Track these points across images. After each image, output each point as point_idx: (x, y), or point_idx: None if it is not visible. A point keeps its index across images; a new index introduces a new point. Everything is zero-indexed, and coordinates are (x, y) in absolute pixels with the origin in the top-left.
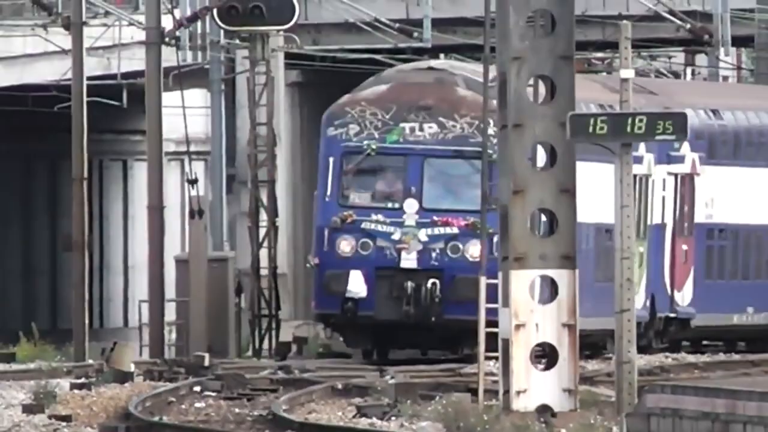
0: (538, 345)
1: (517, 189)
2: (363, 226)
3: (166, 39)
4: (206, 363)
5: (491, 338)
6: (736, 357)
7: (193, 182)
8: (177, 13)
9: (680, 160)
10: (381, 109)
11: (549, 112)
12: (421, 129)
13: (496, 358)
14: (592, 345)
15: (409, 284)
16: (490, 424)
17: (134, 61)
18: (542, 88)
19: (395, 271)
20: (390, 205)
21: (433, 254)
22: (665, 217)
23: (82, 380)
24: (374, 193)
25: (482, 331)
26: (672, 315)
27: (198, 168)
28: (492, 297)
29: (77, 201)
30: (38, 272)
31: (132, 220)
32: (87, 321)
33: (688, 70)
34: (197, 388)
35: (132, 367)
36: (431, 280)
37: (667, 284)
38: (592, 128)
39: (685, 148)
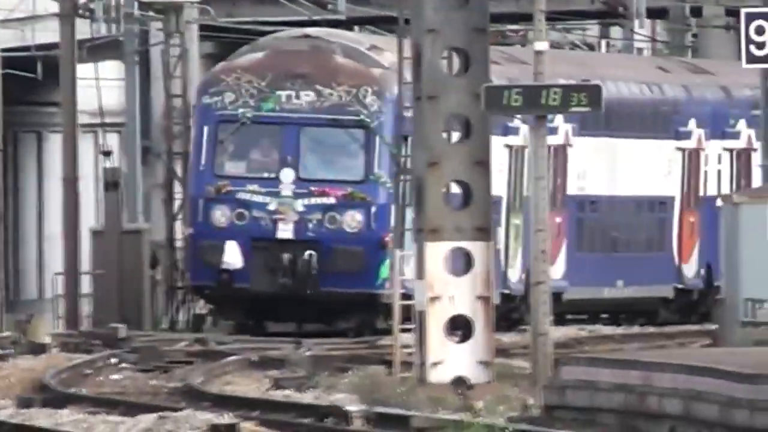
0: (452, 317)
1: (432, 161)
2: (238, 196)
3: (80, 11)
4: (122, 335)
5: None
6: (650, 329)
7: (108, 154)
8: None
9: (554, 131)
10: (257, 76)
11: (463, 84)
12: (298, 97)
13: (412, 330)
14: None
15: (286, 256)
16: (406, 396)
17: (49, 33)
18: (456, 61)
19: (271, 243)
20: (266, 174)
21: (310, 225)
22: None
23: None
24: (250, 163)
25: (397, 303)
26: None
27: (112, 140)
28: (371, 268)
29: None
30: None
31: (46, 192)
32: (2, 293)
33: (603, 43)
34: (113, 360)
35: (48, 339)
36: (308, 252)
37: None
38: (506, 100)
39: (559, 119)
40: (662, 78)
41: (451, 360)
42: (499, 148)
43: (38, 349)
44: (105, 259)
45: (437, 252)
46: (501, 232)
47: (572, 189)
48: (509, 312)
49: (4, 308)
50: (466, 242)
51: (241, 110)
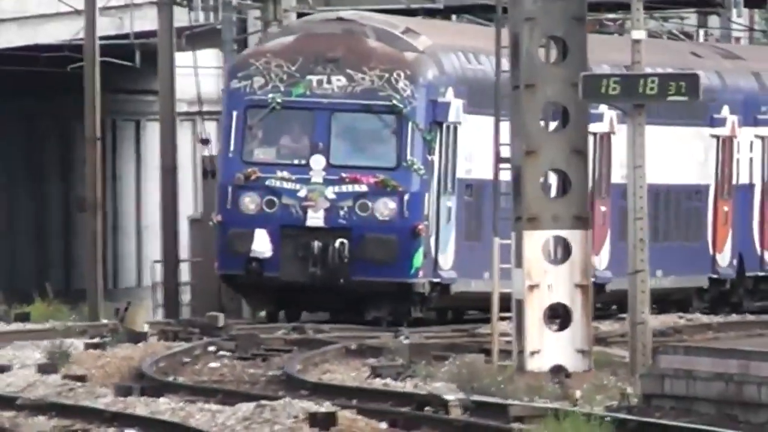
0: (551, 306)
1: (530, 150)
2: (268, 183)
3: None
4: (220, 323)
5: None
6: (750, 318)
7: (206, 142)
8: None
9: (599, 118)
10: (287, 60)
11: (561, 72)
12: (329, 81)
13: (510, 319)
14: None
15: (316, 244)
16: (504, 385)
17: (147, 21)
18: (554, 50)
19: (301, 230)
20: (296, 161)
21: (341, 212)
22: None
23: (96, 340)
24: (279, 149)
25: (496, 292)
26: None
27: (210, 128)
28: (404, 257)
29: (90, 162)
30: (51, 233)
31: (144, 180)
32: (101, 281)
33: (701, 32)
34: (211, 349)
35: (146, 328)
36: (339, 240)
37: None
38: (604, 89)
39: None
40: (697, 64)
41: (549, 348)
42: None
43: (137, 337)
44: (203, 248)
45: (535, 240)
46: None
47: (616, 177)
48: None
49: (103, 296)
50: (564, 230)
51: (270, 95)
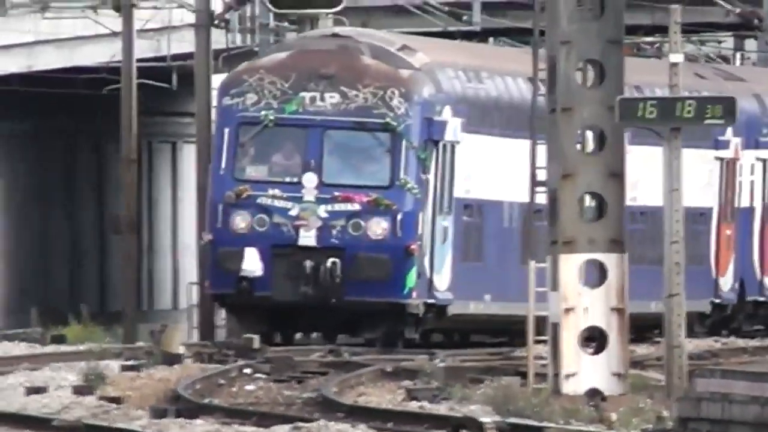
0: (586, 329)
1: (566, 173)
2: (259, 201)
3: (216, 21)
4: (256, 345)
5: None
6: None
7: None
8: None
9: None
10: (280, 77)
11: (598, 95)
12: (322, 99)
13: (545, 342)
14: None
15: (308, 263)
16: (540, 407)
17: (184, 43)
18: (591, 73)
19: (293, 249)
20: (288, 179)
21: (334, 231)
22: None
23: (132, 362)
24: (271, 167)
25: (531, 314)
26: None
27: None
28: (397, 277)
29: (126, 183)
30: (85, 254)
31: (180, 201)
32: (136, 303)
33: (737, 55)
34: (247, 371)
35: (181, 349)
36: (331, 259)
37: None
38: (641, 112)
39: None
40: (701, 85)
41: (585, 371)
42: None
43: (172, 359)
44: None
45: (571, 263)
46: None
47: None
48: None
49: (139, 318)
50: (599, 254)
51: (263, 112)
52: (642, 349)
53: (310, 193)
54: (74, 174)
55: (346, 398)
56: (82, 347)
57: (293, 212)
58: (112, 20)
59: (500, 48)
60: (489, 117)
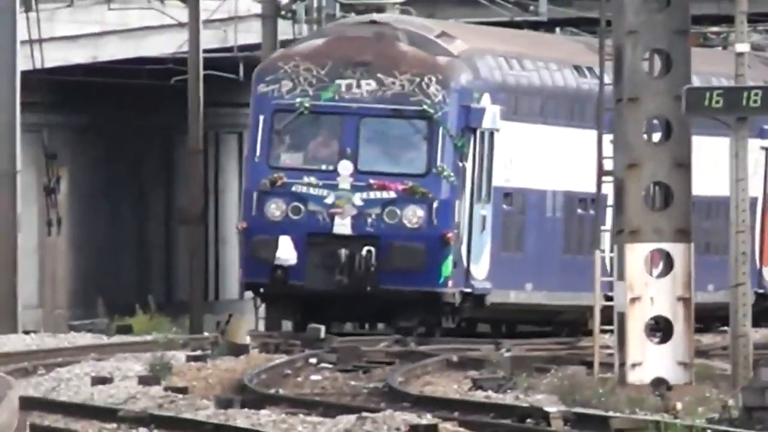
0: (652, 318)
1: (632, 163)
2: (294, 189)
3: (282, 12)
4: (322, 336)
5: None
6: None
7: None
8: None
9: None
10: (316, 64)
11: (664, 86)
12: (359, 86)
13: (611, 332)
14: (567, 323)
15: (343, 252)
16: (606, 397)
17: (251, 34)
18: (657, 63)
19: (328, 238)
20: (323, 167)
21: (369, 220)
22: None
23: (198, 353)
24: (307, 154)
25: (598, 304)
26: None
27: None
28: (433, 266)
29: (193, 174)
30: (152, 245)
31: None
32: (202, 293)
33: None
34: (313, 361)
35: (247, 340)
36: (366, 248)
37: None
38: (708, 102)
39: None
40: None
41: (651, 361)
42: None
43: (238, 349)
44: None
45: (637, 253)
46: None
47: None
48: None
49: (204, 309)
50: (665, 243)
51: (298, 99)
52: (707, 339)
53: (345, 180)
54: (141, 165)
55: (412, 388)
56: (148, 338)
57: (328, 200)
58: (178, 11)
59: (546, 35)
60: (531, 105)
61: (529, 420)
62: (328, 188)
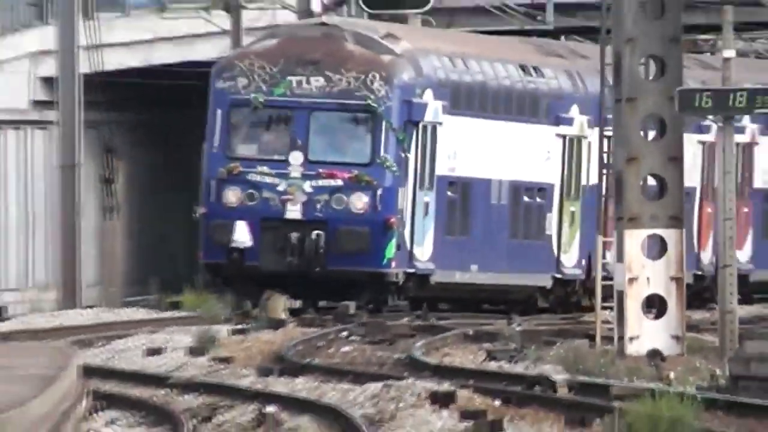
0: (648, 296)
1: (631, 157)
2: (249, 177)
3: None
4: (352, 311)
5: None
6: None
7: None
8: None
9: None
10: (269, 62)
11: (659, 87)
12: (308, 82)
13: (611, 308)
14: (519, 302)
15: (294, 235)
16: (606, 367)
17: None
18: (653, 67)
19: (280, 222)
20: (276, 157)
21: (318, 206)
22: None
23: (240, 327)
24: (260, 145)
25: (599, 283)
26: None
27: None
28: (377, 248)
29: None
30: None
31: None
32: None
33: None
34: (343, 334)
35: (285, 315)
36: (315, 232)
37: None
38: (698, 102)
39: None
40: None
41: (647, 334)
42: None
43: (276, 324)
44: None
45: (635, 238)
46: (554, 218)
47: (757, 183)
48: (567, 296)
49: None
50: (661, 229)
51: (253, 95)
52: (698, 315)
53: (296, 170)
54: (188, 157)
55: (432, 358)
56: (195, 313)
57: (280, 188)
58: (222, 20)
59: (492, 37)
60: (475, 100)
61: (537, 387)
62: (280, 177)
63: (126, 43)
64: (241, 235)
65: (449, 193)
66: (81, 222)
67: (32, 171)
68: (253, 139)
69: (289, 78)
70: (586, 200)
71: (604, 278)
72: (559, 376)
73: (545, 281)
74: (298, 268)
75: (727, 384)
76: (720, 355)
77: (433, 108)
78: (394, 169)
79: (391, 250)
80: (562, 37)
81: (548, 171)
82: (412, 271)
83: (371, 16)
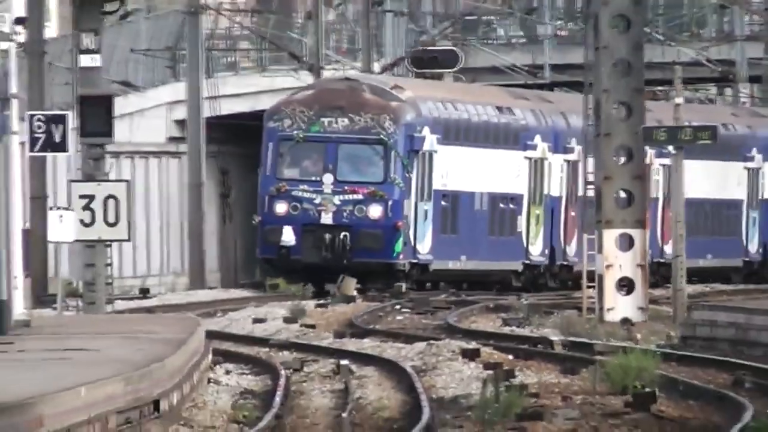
0: (620, 278)
1: (607, 176)
2: (293, 193)
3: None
4: (403, 290)
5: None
6: (751, 286)
7: None
8: (382, 61)
9: (571, 150)
10: (307, 107)
11: (627, 126)
12: (336, 122)
13: (594, 287)
14: (497, 282)
15: (327, 236)
16: (590, 330)
17: None
18: (623, 110)
19: (317, 227)
20: (313, 178)
21: (344, 214)
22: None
23: (322, 301)
24: (301, 169)
25: (585, 269)
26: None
27: None
28: (388, 245)
29: None
30: None
31: None
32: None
33: (719, 99)
34: (397, 307)
35: (355, 293)
36: (343, 233)
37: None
38: (656, 136)
39: (573, 142)
40: (733, 120)
41: (620, 306)
42: (520, 160)
43: (349, 299)
44: None
45: (611, 236)
46: (523, 219)
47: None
48: (535, 278)
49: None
50: (629, 229)
51: (295, 131)
52: (658, 292)
53: (328, 187)
54: None
55: (463, 324)
56: (289, 292)
57: (316, 201)
58: (307, 77)
59: (474, 85)
60: (461, 133)
61: (539, 345)
62: (316, 193)
63: (237, 95)
64: (288, 236)
65: (443, 202)
66: (205, 226)
67: (168, 189)
68: (296, 165)
69: (322, 119)
70: (547, 205)
71: (570, 266)
72: (556, 337)
73: (517, 266)
74: (330, 260)
75: (679, 342)
76: (673, 321)
77: (430, 140)
78: (401, 186)
79: (399, 246)
80: (555, 89)
81: (518, 184)
82: (415, 261)
83: (417, 74)
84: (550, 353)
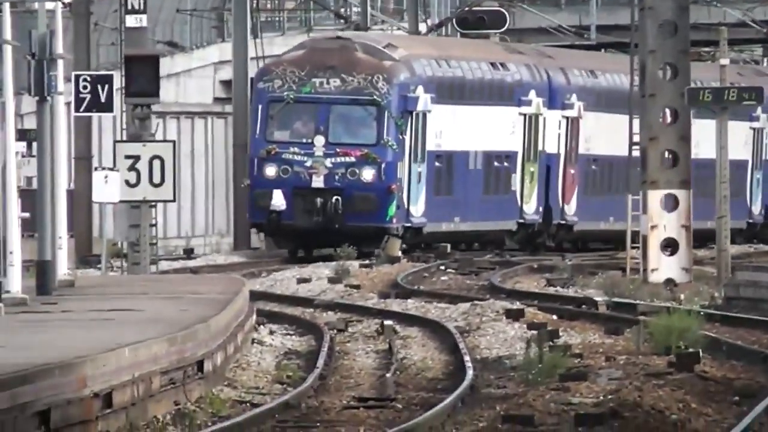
0: (665, 239)
1: (652, 137)
2: (283, 156)
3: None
4: (448, 251)
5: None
6: None
7: None
8: (429, 22)
9: (570, 107)
10: (298, 68)
11: (673, 87)
12: (328, 83)
13: (638, 247)
14: (491, 242)
15: (318, 200)
16: (634, 291)
17: None
18: (669, 71)
19: (308, 190)
20: (304, 140)
21: (336, 177)
22: (559, 148)
23: (367, 262)
24: (292, 131)
25: (629, 230)
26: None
27: None
28: (382, 208)
29: None
30: None
31: None
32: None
33: (765, 60)
34: (442, 268)
35: (399, 254)
36: (335, 197)
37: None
38: (701, 97)
39: (573, 98)
40: (738, 79)
41: (664, 267)
42: (515, 116)
43: (393, 260)
44: None
45: (656, 196)
46: (517, 177)
47: (582, 150)
48: (530, 237)
49: None
50: (674, 190)
51: (286, 93)
52: (702, 253)
53: (319, 150)
54: None
55: (507, 285)
56: (334, 253)
57: (307, 164)
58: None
59: (469, 40)
60: (455, 91)
61: (583, 306)
62: (307, 155)
63: (282, 55)
64: (278, 200)
65: (437, 164)
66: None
67: (214, 149)
68: (286, 127)
69: (313, 80)
70: (542, 162)
71: (570, 225)
72: (600, 297)
73: (511, 225)
74: (322, 225)
75: (723, 303)
76: (717, 282)
77: (424, 100)
78: (395, 147)
79: (392, 209)
80: (602, 50)
81: (513, 141)
82: (409, 224)
83: (463, 35)
84: (593, 314)
